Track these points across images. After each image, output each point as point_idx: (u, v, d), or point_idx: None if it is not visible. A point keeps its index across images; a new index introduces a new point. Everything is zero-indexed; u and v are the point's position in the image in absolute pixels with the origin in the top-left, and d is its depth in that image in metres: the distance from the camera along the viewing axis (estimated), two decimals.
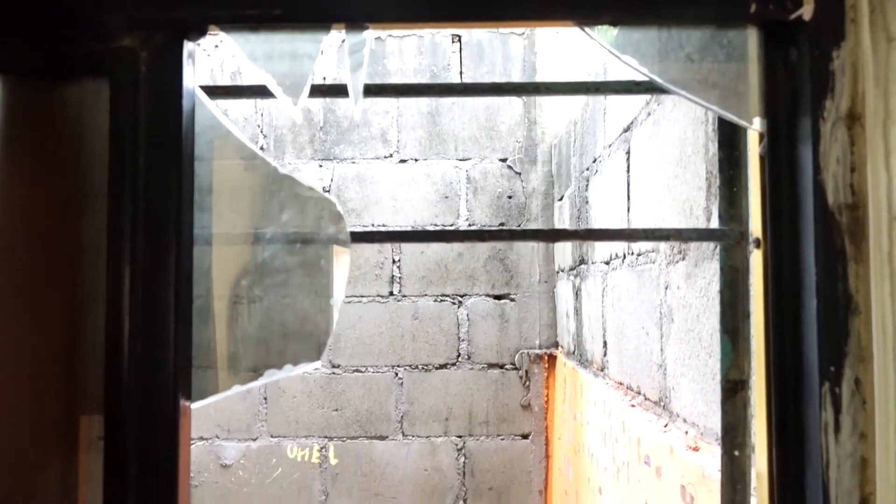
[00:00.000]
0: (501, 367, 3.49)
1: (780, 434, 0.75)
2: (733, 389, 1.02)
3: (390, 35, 3.53)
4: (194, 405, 0.77)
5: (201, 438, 3.44)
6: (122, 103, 0.77)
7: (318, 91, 1.03)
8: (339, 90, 1.02)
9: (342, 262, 0.76)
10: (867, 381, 0.70)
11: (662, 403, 1.66)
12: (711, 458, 1.29)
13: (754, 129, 0.78)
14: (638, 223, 1.89)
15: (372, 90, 1.02)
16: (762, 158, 0.78)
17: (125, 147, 0.77)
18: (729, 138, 1.03)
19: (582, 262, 2.73)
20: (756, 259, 0.81)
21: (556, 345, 3.45)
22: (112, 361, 0.77)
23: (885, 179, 0.67)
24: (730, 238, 1.02)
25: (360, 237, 0.98)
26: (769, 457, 0.77)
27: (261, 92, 1.05)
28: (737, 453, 1.02)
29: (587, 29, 0.78)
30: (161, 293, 0.76)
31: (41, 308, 0.77)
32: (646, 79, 1.05)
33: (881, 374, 0.69)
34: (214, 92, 0.93)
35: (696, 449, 1.39)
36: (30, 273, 0.77)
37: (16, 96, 0.77)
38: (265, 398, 3.46)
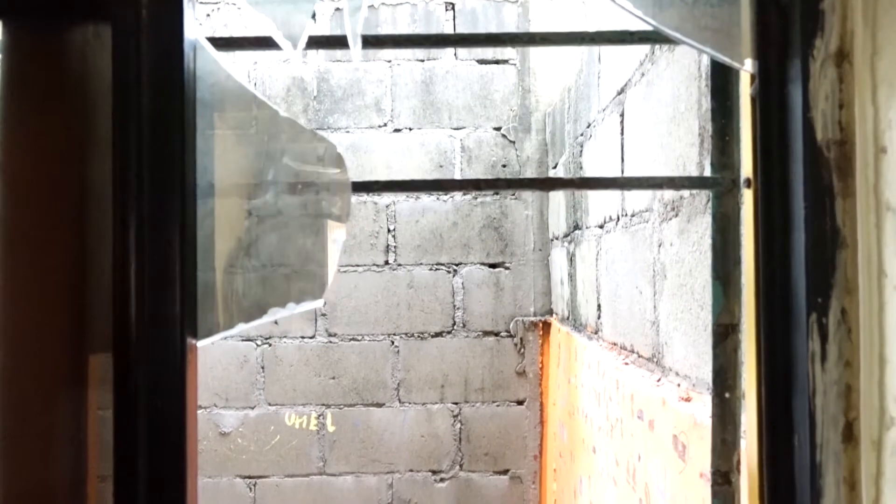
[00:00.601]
0: (496, 334, 3.52)
1: (768, 365, 0.77)
2: (724, 333, 1.05)
3: (383, 3, 3.52)
4: (200, 343, 0.79)
5: (200, 407, 3.48)
6: (124, 48, 0.78)
7: (317, 42, 1.04)
8: (337, 41, 1.03)
9: (344, 200, 0.78)
10: (853, 311, 0.73)
11: (655, 359, 1.69)
12: (703, 406, 1.32)
13: (746, 70, 0.80)
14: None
15: (369, 41, 1.03)
16: (753, 99, 0.80)
17: (129, 91, 0.79)
18: (721, 87, 1.05)
19: (576, 227, 2.75)
20: (747, 199, 0.83)
21: (551, 312, 3.49)
22: (119, 301, 0.78)
23: (872, 112, 0.69)
24: (721, 185, 1.04)
25: (359, 187, 1.00)
26: (758, 389, 0.79)
27: (259, 43, 1.06)
28: (727, 395, 1.05)
29: None
30: (166, 233, 0.77)
31: (48, 249, 0.79)
32: (640, 29, 1.06)
33: (866, 304, 0.72)
34: (214, 43, 0.94)
35: (688, 399, 1.42)
36: (36, 215, 0.79)
37: (19, 40, 0.78)
38: (262, 367, 3.49)
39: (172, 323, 0.78)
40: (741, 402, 1.05)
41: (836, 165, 0.73)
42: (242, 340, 3.48)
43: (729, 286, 1.04)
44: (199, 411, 3.55)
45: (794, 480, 0.76)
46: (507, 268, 3.53)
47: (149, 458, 0.78)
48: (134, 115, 0.79)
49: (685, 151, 1.48)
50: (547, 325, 3.48)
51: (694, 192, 1.43)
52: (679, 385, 1.50)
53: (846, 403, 0.73)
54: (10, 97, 0.81)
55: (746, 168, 0.84)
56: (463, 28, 3.52)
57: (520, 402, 3.51)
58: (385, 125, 3.53)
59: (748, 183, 0.82)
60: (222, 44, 1.13)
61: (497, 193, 3.52)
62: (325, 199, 0.78)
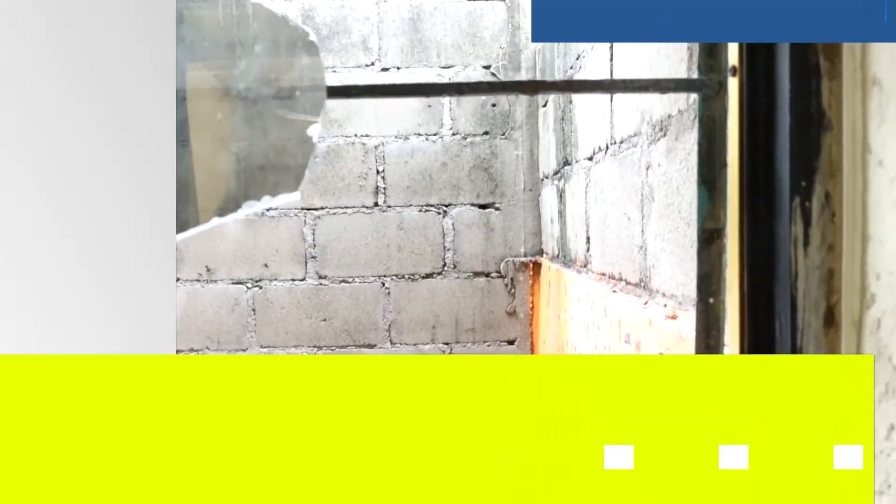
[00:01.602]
0: (487, 275, 3.52)
1: (751, 254, 0.77)
2: (709, 239, 1.04)
3: None
4: (177, 237, 0.78)
5: (192, 350, 3.49)
6: None
7: None
8: None
9: (318, 93, 0.76)
10: (836, 195, 0.72)
11: (643, 284, 1.69)
12: (688, 322, 1.32)
13: None
14: (621, 110, 1.89)
15: None
16: None
17: None
18: None
19: (566, 163, 2.73)
20: (732, 89, 0.81)
21: (541, 252, 3.49)
22: None
23: None
24: (708, 88, 1.02)
25: (336, 91, 0.97)
26: (741, 279, 0.79)
27: None
28: (711, 300, 1.05)
29: None
30: None
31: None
32: None
33: (849, 188, 0.71)
34: None
35: (673, 317, 1.42)
36: None
37: None
38: (253, 310, 3.50)
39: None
40: (725, 307, 1.05)
41: (824, 47, 0.72)
42: (232, 284, 3.48)
43: (714, 190, 1.03)
44: (191, 354, 3.56)
45: None
46: (497, 208, 3.51)
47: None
48: None
49: (674, 69, 1.46)
50: (537, 266, 3.49)
51: (682, 108, 1.41)
52: (665, 305, 1.51)
53: (828, 287, 0.72)
54: None
55: (732, 57, 0.82)
56: None
57: (510, 342, 3.53)
58: (373, 64, 3.46)
59: (734, 71, 0.80)
60: None
61: (487, 133, 3.47)
62: (299, 91, 0.76)
